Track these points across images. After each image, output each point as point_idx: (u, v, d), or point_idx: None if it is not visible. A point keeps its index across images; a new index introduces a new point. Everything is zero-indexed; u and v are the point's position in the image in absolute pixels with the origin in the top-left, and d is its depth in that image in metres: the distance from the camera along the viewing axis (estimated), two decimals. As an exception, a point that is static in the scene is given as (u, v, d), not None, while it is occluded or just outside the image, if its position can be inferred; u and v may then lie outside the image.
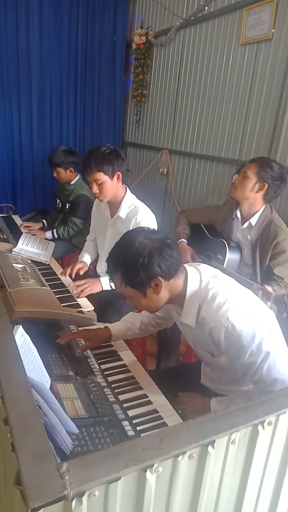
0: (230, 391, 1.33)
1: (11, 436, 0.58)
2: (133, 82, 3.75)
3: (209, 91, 2.98)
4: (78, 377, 1.28)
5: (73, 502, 0.51)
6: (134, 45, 3.61)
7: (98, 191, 1.90)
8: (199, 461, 0.61)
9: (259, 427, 0.65)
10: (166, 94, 3.45)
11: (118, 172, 1.88)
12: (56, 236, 2.87)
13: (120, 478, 0.54)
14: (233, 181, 2.05)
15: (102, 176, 1.85)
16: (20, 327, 1.03)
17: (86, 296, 1.87)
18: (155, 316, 1.51)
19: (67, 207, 3.00)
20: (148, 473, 0.56)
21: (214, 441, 0.61)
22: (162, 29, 3.40)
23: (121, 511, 0.57)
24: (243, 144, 2.74)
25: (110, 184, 1.88)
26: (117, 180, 1.90)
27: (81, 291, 1.86)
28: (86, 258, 2.19)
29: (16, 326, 1.03)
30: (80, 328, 1.56)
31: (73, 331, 1.48)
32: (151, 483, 0.57)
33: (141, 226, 1.94)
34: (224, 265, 1.98)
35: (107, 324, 1.51)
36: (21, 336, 1.01)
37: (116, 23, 3.65)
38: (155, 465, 0.56)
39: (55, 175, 2.94)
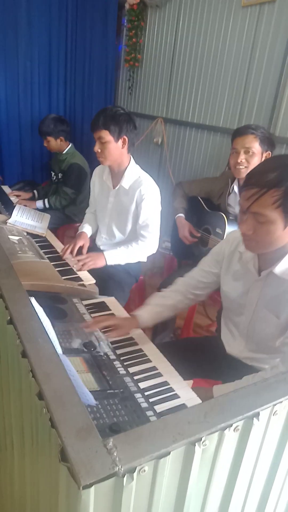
0: (260, 360, 1.32)
1: (48, 411, 0.55)
2: (125, 46, 3.57)
3: (207, 56, 2.86)
4: (86, 350, 1.25)
5: (124, 479, 0.48)
6: (127, 6, 3.41)
7: (99, 151, 1.83)
8: (242, 434, 0.60)
9: (300, 398, 0.64)
10: (161, 59, 3.30)
11: (125, 137, 1.81)
12: (47, 206, 2.79)
13: (169, 453, 0.52)
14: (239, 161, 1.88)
15: (107, 135, 1.78)
16: (33, 298, 0.99)
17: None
18: (193, 287, 1.45)
19: (59, 177, 2.91)
20: (196, 446, 0.54)
21: (259, 413, 0.59)
22: (157, -12, 3.21)
23: (168, 486, 0.55)
24: (243, 113, 2.67)
25: (113, 146, 1.81)
26: (122, 145, 1.83)
27: (83, 264, 1.80)
28: (87, 229, 2.12)
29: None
30: (102, 314, 1.49)
31: (97, 317, 1.39)
32: (197, 457, 0.55)
33: (145, 198, 1.89)
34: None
35: (134, 313, 1.43)
36: (35, 308, 0.97)
37: (108, -19, 3.43)
38: (203, 439, 0.54)
39: (45, 144, 2.87)
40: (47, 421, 0.54)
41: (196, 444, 0.53)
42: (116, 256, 1.91)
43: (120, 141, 1.81)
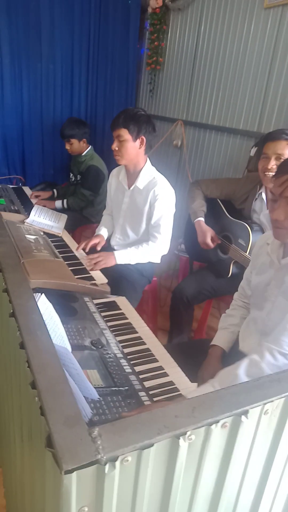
0: None
1: (40, 399, 0.57)
2: (147, 49, 3.60)
3: (229, 58, 2.85)
4: (94, 348, 1.27)
5: (106, 467, 0.49)
6: (149, 9, 3.44)
7: (117, 149, 1.86)
8: (231, 431, 0.60)
9: (293, 399, 0.63)
10: (183, 62, 3.31)
11: (143, 137, 1.84)
12: (65, 206, 2.84)
13: (153, 445, 0.52)
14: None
15: (125, 134, 1.81)
16: (43, 295, 1.01)
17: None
18: (245, 297, 1.50)
19: (78, 178, 2.96)
20: (181, 440, 0.54)
21: (248, 411, 0.59)
22: (180, -9, 3.23)
23: (152, 478, 0.56)
24: (263, 116, 2.64)
25: (130, 145, 1.84)
26: (140, 145, 1.85)
27: (95, 264, 1.83)
28: (103, 232, 2.15)
29: (38, 294, 1.01)
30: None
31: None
32: (183, 451, 0.55)
33: (158, 199, 1.90)
34: (247, 252, 1.86)
35: (214, 343, 1.47)
36: (44, 304, 0.99)
37: (131, -15, 3.47)
38: (188, 433, 0.55)
39: (67, 147, 2.91)
40: (38, 409, 0.56)
41: (181, 437, 0.54)
42: (125, 255, 1.92)
43: (138, 141, 1.84)
